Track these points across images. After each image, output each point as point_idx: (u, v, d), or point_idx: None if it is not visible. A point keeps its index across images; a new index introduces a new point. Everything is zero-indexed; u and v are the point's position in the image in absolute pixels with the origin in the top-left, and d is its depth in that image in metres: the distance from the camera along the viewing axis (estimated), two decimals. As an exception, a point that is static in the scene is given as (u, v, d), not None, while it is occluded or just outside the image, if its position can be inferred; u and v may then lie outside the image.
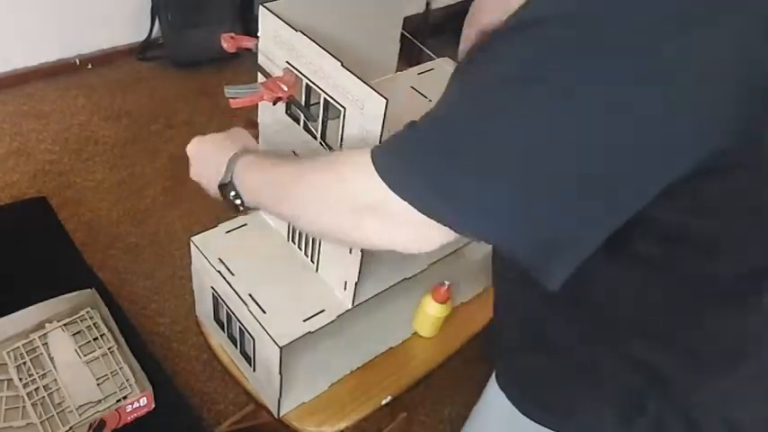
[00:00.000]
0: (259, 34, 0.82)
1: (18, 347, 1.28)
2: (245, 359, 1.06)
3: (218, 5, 2.62)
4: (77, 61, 2.55)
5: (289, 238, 1.05)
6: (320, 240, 0.97)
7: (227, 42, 0.83)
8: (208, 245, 1.04)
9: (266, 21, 0.81)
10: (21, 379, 1.23)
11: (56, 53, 2.49)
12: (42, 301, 1.32)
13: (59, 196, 2.01)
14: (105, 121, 2.37)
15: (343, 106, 0.77)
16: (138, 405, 1.21)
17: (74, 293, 1.35)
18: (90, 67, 2.58)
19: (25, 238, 1.55)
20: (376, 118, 0.73)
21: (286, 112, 0.89)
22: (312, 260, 1.02)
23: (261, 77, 0.88)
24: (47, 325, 1.32)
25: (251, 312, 0.95)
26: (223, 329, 1.09)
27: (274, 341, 0.91)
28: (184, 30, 2.59)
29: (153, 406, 1.24)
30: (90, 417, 1.18)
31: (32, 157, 2.16)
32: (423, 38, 2.79)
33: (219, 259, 1.01)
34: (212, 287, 1.03)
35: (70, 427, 1.16)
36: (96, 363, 1.29)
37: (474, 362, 1.78)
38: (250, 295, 0.97)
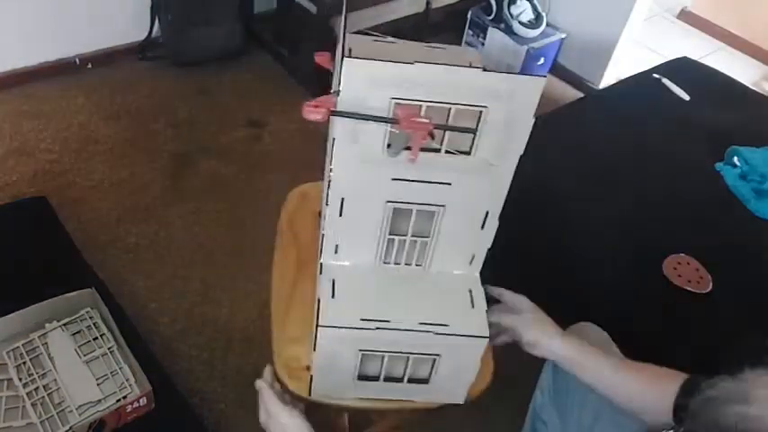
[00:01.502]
0: (341, 88, 0.78)
1: (18, 347, 1.28)
2: (405, 383, 0.96)
3: (218, 5, 2.62)
4: (77, 61, 2.54)
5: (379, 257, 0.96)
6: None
7: (313, 113, 0.77)
8: (336, 318, 0.89)
9: (355, 69, 0.74)
10: (20, 379, 1.23)
11: (56, 53, 2.49)
12: (42, 301, 1.32)
13: (59, 196, 2.00)
14: (105, 121, 2.36)
15: (484, 106, 0.77)
16: (138, 405, 1.21)
17: (74, 293, 1.35)
18: (90, 66, 2.58)
19: (25, 238, 1.55)
20: (530, 103, 0.76)
21: (388, 148, 0.81)
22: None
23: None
24: (47, 325, 1.32)
25: (435, 333, 0.87)
26: (373, 379, 0.97)
27: (479, 336, 0.88)
28: (184, 29, 2.58)
29: (153, 406, 1.24)
30: (90, 417, 1.18)
31: (32, 157, 2.16)
32: (423, 38, 2.79)
33: (361, 319, 0.89)
34: (361, 350, 0.91)
35: (70, 427, 1.16)
36: (96, 363, 1.29)
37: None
38: (420, 323, 0.88)
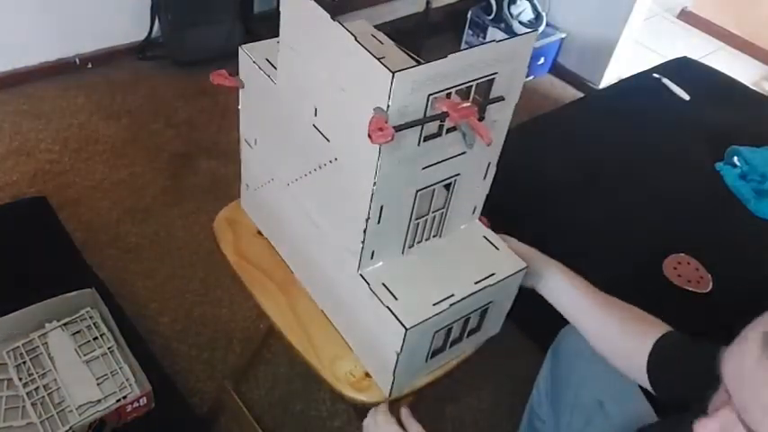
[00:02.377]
0: (389, 102, 0.78)
1: (18, 347, 1.28)
2: (463, 340, 1.01)
3: (218, 5, 2.62)
4: (77, 61, 2.54)
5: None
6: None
7: (383, 137, 0.75)
8: (414, 315, 0.89)
9: (402, 81, 0.74)
10: (21, 378, 1.24)
11: (56, 53, 2.49)
12: (42, 301, 1.32)
13: (59, 196, 2.01)
14: (105, 121, 2.37)
15: (495, 72, 0.81)
16: (137, 405, 1.21)
17: (74, 293, 1.35)
18: (90, 66, 2.58)
19: (25, 238, 1.55)
20: (526, 56, 0.82)
21: (423, 142, 0.83)
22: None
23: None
24: (47, 324, 1.32)
25: (490, 285, 0.92)
26: (440, 351, 1.00)
27: (520, 270, 0.94)
28: (184, 29, 2.58)
29: (153, 406, 1.24)
30: (90, 416, 1.18)
31: (32, 157, 2.16)
32: (423, 37, 2.79)
33: (433, 304, 0.91)
34: (435, 331, 0.93)
35: (70, 427, 1.16)
36: (96, 362, 1.29)
37: (474, 361, 1.78)
38: (476, 282, 0.93)
